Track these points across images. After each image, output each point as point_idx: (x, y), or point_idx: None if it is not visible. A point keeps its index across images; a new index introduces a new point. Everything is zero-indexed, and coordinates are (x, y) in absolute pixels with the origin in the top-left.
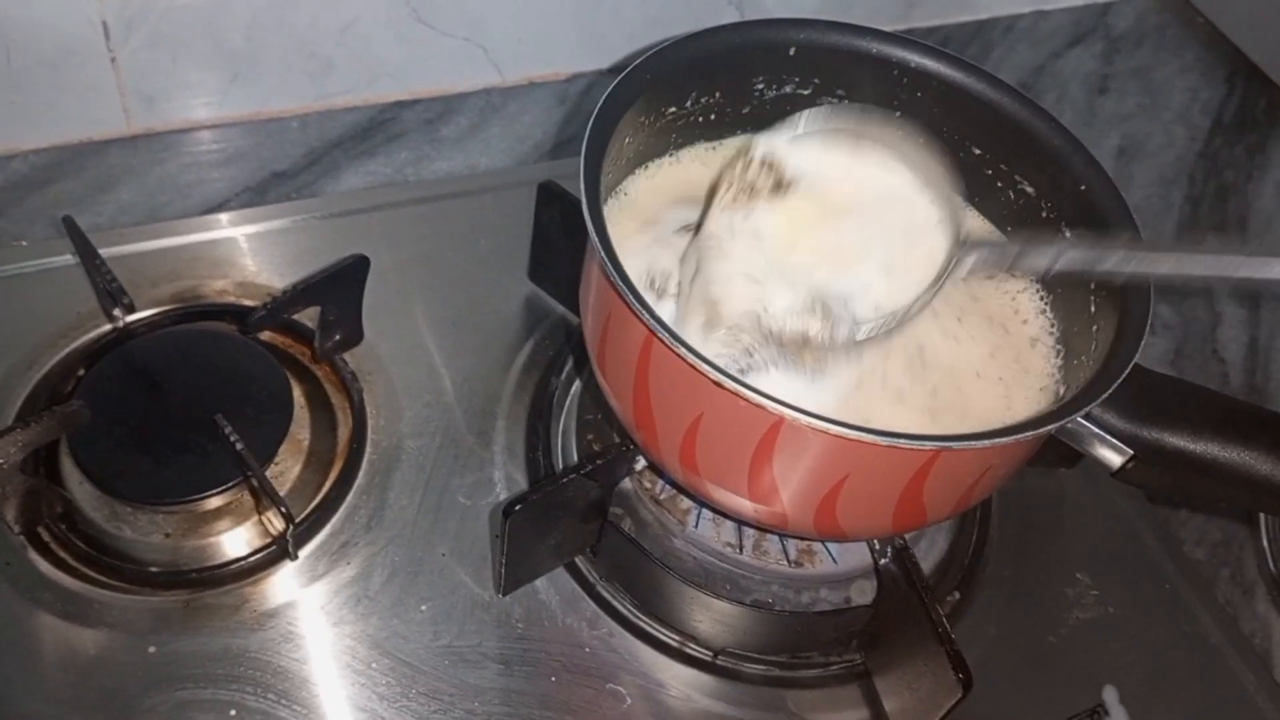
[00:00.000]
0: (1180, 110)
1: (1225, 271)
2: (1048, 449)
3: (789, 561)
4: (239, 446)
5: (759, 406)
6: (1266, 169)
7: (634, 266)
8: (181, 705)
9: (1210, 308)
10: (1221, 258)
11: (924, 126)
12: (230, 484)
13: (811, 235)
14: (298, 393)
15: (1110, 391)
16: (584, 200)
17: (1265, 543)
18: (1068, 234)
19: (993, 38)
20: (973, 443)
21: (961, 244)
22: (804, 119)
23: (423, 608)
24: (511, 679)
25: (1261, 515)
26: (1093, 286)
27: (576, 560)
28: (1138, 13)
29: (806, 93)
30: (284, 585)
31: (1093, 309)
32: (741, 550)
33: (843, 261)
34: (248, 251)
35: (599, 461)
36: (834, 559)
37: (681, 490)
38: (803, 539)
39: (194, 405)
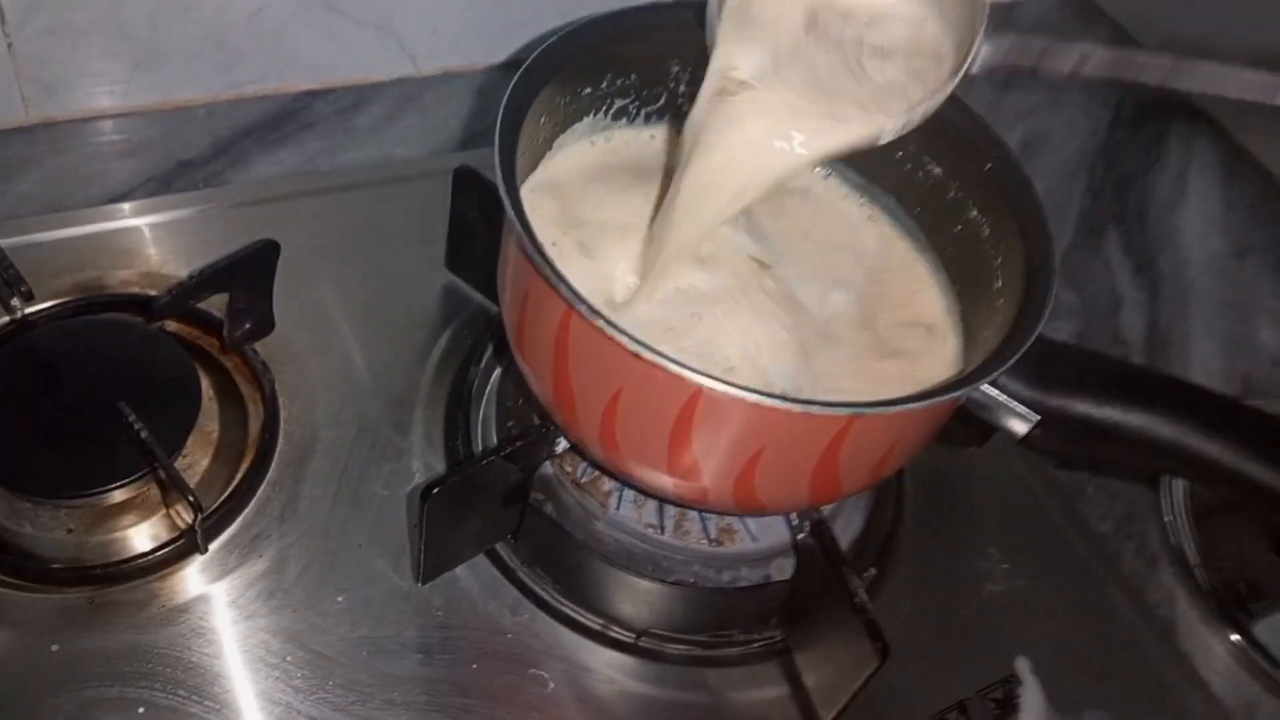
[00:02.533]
0: (1081, 105)
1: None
2: (957, 427)
3: (709, 540)
4: (144, 435)
5: (677, 377)
6: (1165, 161)
7: (553, 244)
8: (87, 704)
9: (1111, 292)
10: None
11: None
12: (136, 476)
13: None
14: (206, 384)
15: (1015, 358)
16: (499, 174)
17: (1168, 517)
18: (975, 212)
19: None
20: (885, 409)
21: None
22: None
23: (339, 599)
24: (432, 668)
25: (1164, 490)
26: (998, 262)
27: (497, 547)
28: (1041, 10)
29: None
30: (194, 579)
31: (998, 284)
32: (663, 531)
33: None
34: (153, 241)
35: (519, 444)
36: (753, 537)
37: (603, 470)
38: (723, 515)
39: (96, 397)
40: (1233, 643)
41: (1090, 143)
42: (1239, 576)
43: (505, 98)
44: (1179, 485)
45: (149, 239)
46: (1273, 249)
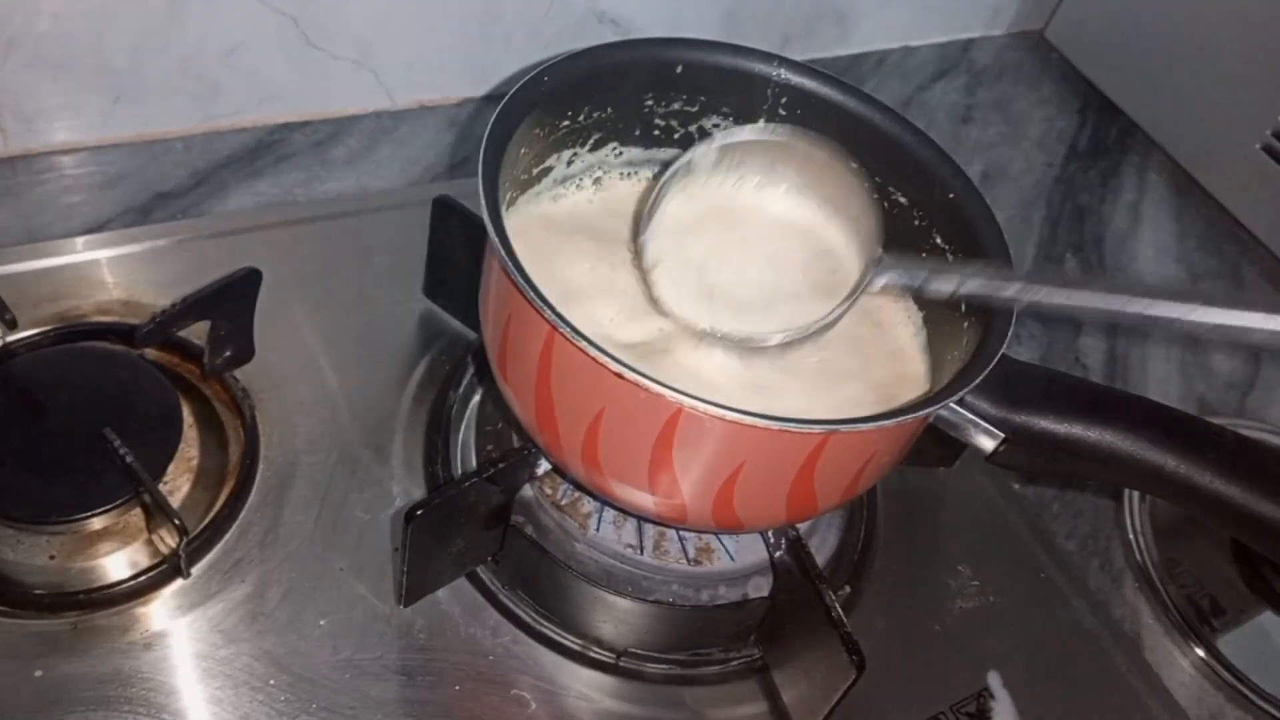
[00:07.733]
0: (1038, 138)
1: (1115, 307)
2: (927, 448)
3: (688, 560)
4: (129, 460)
5: (659, 396)
6: (1119, 192)
7: (534, 271)
8: None
9: (1071, 318)
10: (1112, 296)
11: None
12: (120, 501)
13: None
14: (186, 410)
15: (982, 377)
16: (483, 200)
17: (1131, 535)
18: (938, 239)
19: (864, 71)
20: (860, 425)
21: (876, 264)
22: (738, 131)
23: (321, 623)
24: (414, 690)
25: (1126, 508)
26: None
27: (478, 569)
28: (996, 49)
29: (693, 109)
30: (176, 604)
31: (963, 307)
32: (642, 551)
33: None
34: (133, 271)
35: (501, 466)
36: (731, 556)
37: (583, 490)
38: (701, 533)
39: (79, 423)
40: (1197, 655)
41: (1047, 174)
42: (1201, 592)
43: (489, 126)
44: (1141, 502)
45: (129, 268)
46: (1223, 275)
